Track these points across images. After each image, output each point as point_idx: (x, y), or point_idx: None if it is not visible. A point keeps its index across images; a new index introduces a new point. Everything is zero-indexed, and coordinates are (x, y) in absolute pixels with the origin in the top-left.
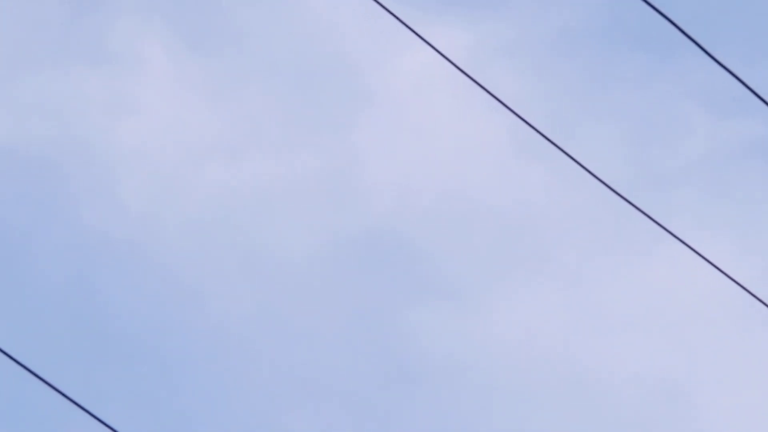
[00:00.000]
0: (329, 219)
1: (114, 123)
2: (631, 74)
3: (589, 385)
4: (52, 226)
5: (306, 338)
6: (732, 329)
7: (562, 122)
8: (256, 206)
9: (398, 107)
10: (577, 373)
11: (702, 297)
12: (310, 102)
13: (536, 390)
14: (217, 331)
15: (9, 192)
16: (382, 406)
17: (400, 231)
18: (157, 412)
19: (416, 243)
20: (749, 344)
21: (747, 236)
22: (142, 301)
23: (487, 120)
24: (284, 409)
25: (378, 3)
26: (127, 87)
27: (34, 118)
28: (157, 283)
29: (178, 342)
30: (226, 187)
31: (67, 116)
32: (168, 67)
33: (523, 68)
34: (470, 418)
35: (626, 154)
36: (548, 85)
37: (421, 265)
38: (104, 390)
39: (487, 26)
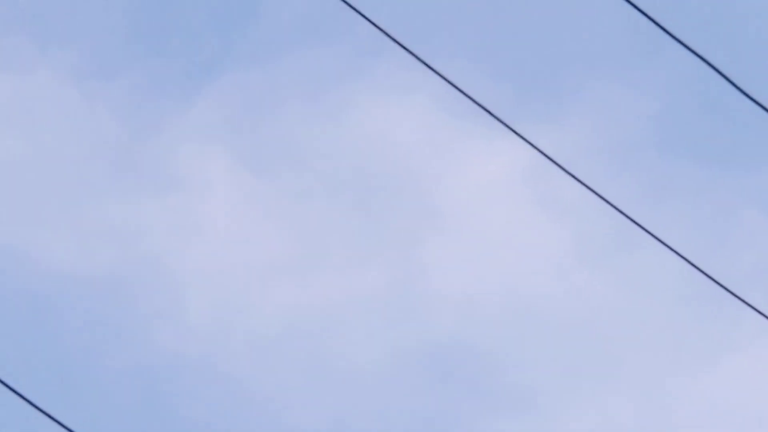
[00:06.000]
0: (396, 333)
1: (180, 244)
2: (687, 184)
3: None
4: (123, 347)
5: None
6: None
7: (623, 233)
8: (323, 322)
9: (461, 219)
10: None
11: None
12: (374, 217)
13: None
14: None
15: (79, 318)
16: None
17: (467, 342)
18: None
19: (484, 354)
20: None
21: None
22: (215, 416)
23: (550, 230)
24: None
25: (474, 100)
26: (192, 209)
27: (100, 242)
28: (229, 399)
29: None
30: (293, 305)
31: (133, 240)
32: (231, 189)
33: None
34: None
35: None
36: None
37: (490, 376)
38: None
39: (546, 140)
